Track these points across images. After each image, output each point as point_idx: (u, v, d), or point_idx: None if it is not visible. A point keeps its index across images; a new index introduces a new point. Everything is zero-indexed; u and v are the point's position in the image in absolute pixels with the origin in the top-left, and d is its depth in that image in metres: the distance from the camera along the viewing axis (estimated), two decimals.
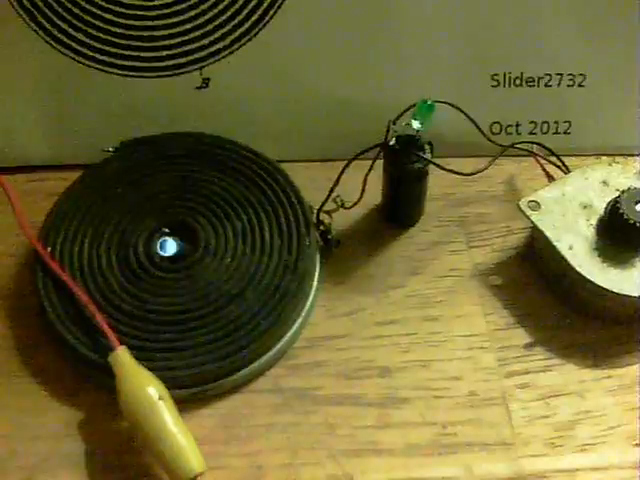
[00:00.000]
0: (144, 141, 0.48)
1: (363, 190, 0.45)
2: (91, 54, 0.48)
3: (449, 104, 0.46)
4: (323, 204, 0.45)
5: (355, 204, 0.45)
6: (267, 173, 0.46)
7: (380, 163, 0.44)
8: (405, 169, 0.44)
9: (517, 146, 0.47)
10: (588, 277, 0.42)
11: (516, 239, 0.46)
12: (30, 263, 0.44)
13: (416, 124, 0.43)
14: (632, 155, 0.50)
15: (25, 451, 0.39)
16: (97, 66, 0.49)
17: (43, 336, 0.42)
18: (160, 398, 0.37)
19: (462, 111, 0.45)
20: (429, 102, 0.43)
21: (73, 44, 0.48)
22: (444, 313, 0.44)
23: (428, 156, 0.43)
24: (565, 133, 0.50)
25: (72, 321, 0.41)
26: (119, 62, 0.49)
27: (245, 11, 0.47)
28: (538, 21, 0.48)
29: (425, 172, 0.44)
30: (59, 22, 0.48)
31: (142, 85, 0.49)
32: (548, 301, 0.44)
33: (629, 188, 0.42)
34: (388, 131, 0.43)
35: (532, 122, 0.50)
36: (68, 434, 0.40)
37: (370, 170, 0.44)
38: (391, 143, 0.43)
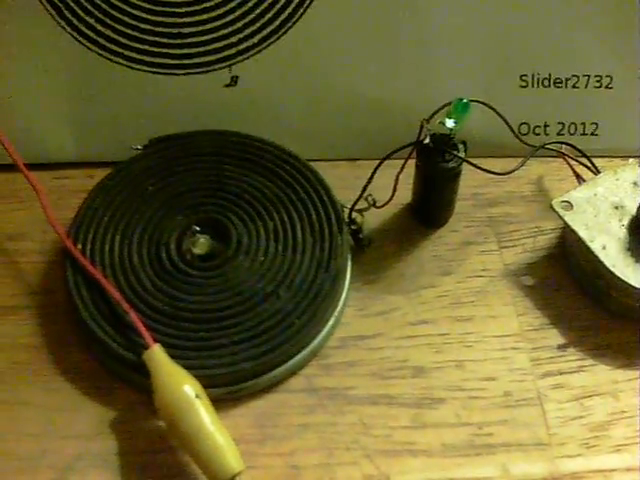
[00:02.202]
0: (173, 138, 0.47)
1: (394, 189, 0.44)
2: (119, 50, 0.48)
3: (483, 103, 0.45)
4: (355, 203, 0.44)
5: (386, 203, 0.44)
6: (298, 172, 0.46)
7: (411, 163, 0.44)
8: (439, 168, 0.43)
9: (547, 146, 0.47)
10: (621, 277, 0.41)
11: (546, 239, 0.46)
12: (60, 260, 0.43)
13: (450, 123, 0.43)
14: None
15: (56, 450, 0.39)
16: (125, 63, 0.48)
17: (74, 334, 0.42)
18: (197, 396, 0.37)
19: (495, 110, 0.45)
20: (465, 101, 0.43)
21: (101, 40, 0.48)
22: (476, 313, 0.43)
23: (462, 155, 0.43)
24: (592, 134, 0.50)
25: (105, 319, 0.41)
26: (147, 59, 0.48)
27: (274, 9, 0.47)
28: (566, 22, 0.48)
29: (458, 171, 0.44)
30: (87, 18, 0.47)
31: (170, 82, 0.49)
32: (580, 301, 0.44)
33: None
34: (421, 129, 0.42)
35: (560, 123, 0.50)
36: (100, 433, 0.39)
37: (402, 169, 0.44)
38: (425, 141, 0.43)
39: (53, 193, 0.47)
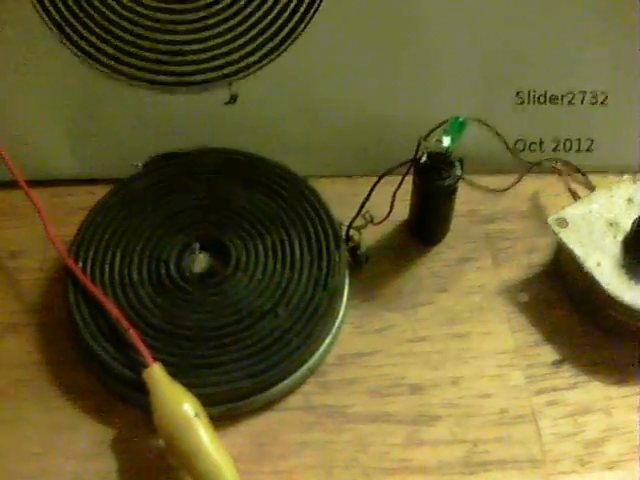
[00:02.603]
0: (173, 156, 0.48)
1: (392, 206, 0.45)
2: (120, 67, 0.48)
3: (479, 121, 0.46)
4: (353, 220, 0.45)
5: (384, 220, 0.45)
6: (296, 189, 0.46)
7: (408, 180, 0.44)
8: (435, 186, 0.44)
9: (543, 163, 0.47)
10: (616, 295, 0.42)
11: (542, 256, 0.47)
12: (60, 277, 0.44)
13: (447, 141, 0.43)
14: None
15: (56, 469, 0.39)
16: (126, 80, 0.49)
17: (74, 352, 0.43)
18: (196, 415, 0.37)
19: (491, 128, 0.45)
20: (461, 119, 0.43)
21: (102, 57, 0.48)
22: (472, 330, 0.44)
23: (459, 173, 0.44)
24: (587, 150, 0.51)
25: (104, 337, 0.41)
26: (148, 76, 0.49)
27: (274, 27, 0.47)
28: (561, 40, 0.48)
29: (455, 189, 0.45)
30: (88, 35, 0.48)
31: (171, 99, 0.49)
32: (575, 318, 0.44)
33: None
34: (419, 147, 0.43)
35: (555, 139, 0.51)
36: (100, 452, 0.40)
37: (399, 186, 0.44)
38: (422, 159, 0.43)
39: (54, 210, 0.47)
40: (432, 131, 0.44)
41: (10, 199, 0.48)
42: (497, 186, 0.46)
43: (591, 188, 0.48)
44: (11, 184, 0.45)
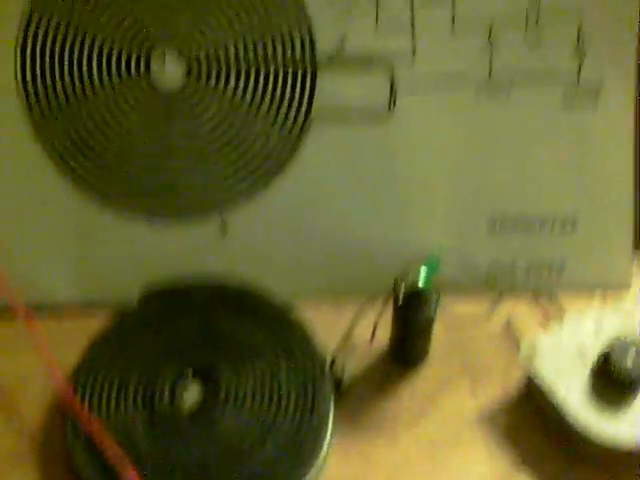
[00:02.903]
0: (166, 289, 0.51)
1: (373, 334, 0.48)
2: (117, 201, 0.51)
3: (455, 250, 0.49)
4: (337, 348, 0.48)
5: (367, 345, 0.48)
6: (283, 320, 0.49)
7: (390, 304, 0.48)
8: (413, 320, 0.47)
9: (516, 288, 0.51)
10: (583, 425, 0.45)
11: (517, 380, 0.49)
12: (58, 407, 0.46)
13: (423, 279, 0.46)
14: (624, 288, 0.53)
15: None
16: (123, 213, 0.51)
17: None
18: None
19: (466, 255, 0.48)
20: (435, 259, 0.46)
21: (98, 188, 0.51)
22: (451, 454, 0.46)
23: (435, 307, 0.47)
24: (559, 273, 0.54)
25: (100, 471, 0.43)
26: (141, 208, 0.51)
27: (263, 161, 0.51)
28: (531, 168, 0.52)
29: (432, 321, 0.47)
30: (89, 170, 0.50)
31: (165, 230, 0.52)
32: (550, 445, 0.47)
33: (619, 338, 0.46)
34: (396, 286, 0.46)
35: (528, 263, 0.54)
36: None
37: (380, 315, 0.47)
38: (400, 298, 0.46)
39: (54, 335, 0.49)
40: (408, 268, 0.47)
41: (13, 326, 0.50)
42: (473, 310, 0.49)
43: (562, 312, 0.51)
44: (12, 311, 0.47)
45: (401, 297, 0.46)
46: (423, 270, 0.46)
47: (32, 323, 0.47)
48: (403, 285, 0.46)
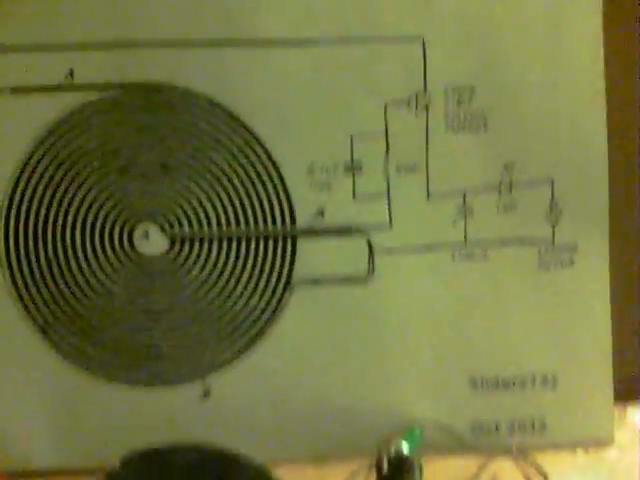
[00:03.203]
0: (149, 451, 0.50)
1: None
2: (99, 367, 0.51)
3: (435, 412, 0.49)
4: None
5: None
6: None
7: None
8: None
9: (499, 447, 0.51)
10: None
11: None
12: None
13: (406, 448, 0.46)
14: (607, 444, 0.53)
15: None
16: (105, 378, 0.51)
17: None
18: None
19: (447, 423, 0.49)
20: (418, 430, 0.46)
21: (82, 358, 0.51)
22: None
23: (419, 475, 0.47)
24: (541, 430, 0.54)
25: None
26: (125, 374, 0.52)
27: (244, 328, 0.51)
28: (510, 328, 0.52)
29: None
30: (70, 337, 0.51)
31: (147, 395, 0.52)
32: None
33: None
34: (379, 456, 0.46)
35: (510, 421, 0.54)
36: None
37: None
38: (384, 466, 0.46)
39: None
40: (392, 437, 0.47)
41: None
42: (457, 472, 0.49)
43: (543, 474, 0.51)
44: None
45: (385, 467, 0.46)
46: (407, 435, 0.46)
47: None
48: (386, 454, 0.46)
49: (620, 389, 0.54)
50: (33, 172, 0.50)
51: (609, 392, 0.54)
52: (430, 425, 0.50)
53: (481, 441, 0.52)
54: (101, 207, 0.50)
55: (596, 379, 0.53)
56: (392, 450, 0.47)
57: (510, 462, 0.53)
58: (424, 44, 0.50)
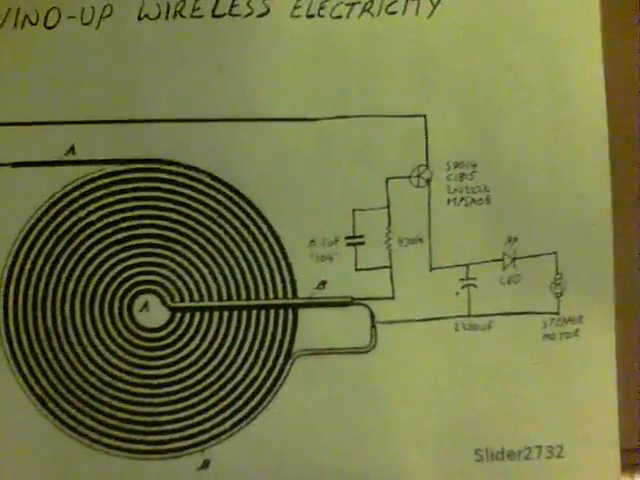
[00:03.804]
0: None
1: None
2: (98, 438, 0.51)
3: None
4: None
5: None
6: None
7: None
8: None
9: None
10: None
11: None
12: None
13: None
14: None
15: None
16: (103, 449, 0.51)
17: None
18: None
19: None
20: None
21: (81, 428, 0.51)
22: None
23: None
24: None
25: None
26: (124, 445, 0.51)
27: (243, 399, 0.51)
28: (515, 400, 0.52)
29: None
30: (69, 408, 0.50)
31: (146, 466, 0.51)
32: None
33: None
34: None
35: None
36: None
37: None
38: None
39: None
40: None
41: None
42: None
43: None
44: None
45: None
46: None
47: None
48: None
49: (626, 459, 0.54)
50: (33, 245, 0.49)
51: (615, 462, 0.53)
52: None
53: None
54: (101, 279, 0.50)
55: (602, 449, 0.53)
56: None
57: None
58: (426, 122, 0.49)
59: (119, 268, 0.50)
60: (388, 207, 0.50)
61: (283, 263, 0.50)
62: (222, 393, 0.51)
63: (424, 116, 0.50)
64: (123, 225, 0.50)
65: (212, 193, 0.50)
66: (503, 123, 0.51)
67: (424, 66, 0.52)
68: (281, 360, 0.51)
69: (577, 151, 0.51)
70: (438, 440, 0.53)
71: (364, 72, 0.51)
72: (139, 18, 0.50)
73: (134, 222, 0.50)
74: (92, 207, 0.50)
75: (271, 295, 0.51)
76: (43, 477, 0.52)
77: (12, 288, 0.50)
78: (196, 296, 0.51)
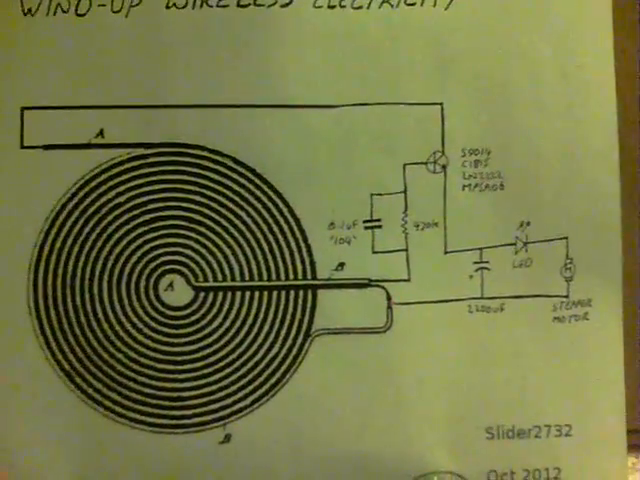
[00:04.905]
0: None
1: None
2: (123, 412, 0.53)
3: (452, 461, 0.50)
4: None
5: None
6: None
7: None
8: None
9: None
10: None
11: None
12: None
13: None
14: None
15: None
16: (127, 423, 0.53)
17: None
18: None
19: (463, 469, 0.50)
20: (436, 477, 0.48)
21: (107, 403, 0.53)
22: None
23: None
24: (555, 478, 0.55)
25: None
26: (148, 419, 0.53)
27: (265, 375, 0.53)
28: (525, 380, 0.53)
29: None
30: (95, 383, 0.52)
31: (169, 440, 0.53)
32: None
33: None
34: None
35: (525, 470, 0.55)
36: None
37: None
38: None
39: None
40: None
41: None
42: None
43: None
44: None
45: None
46: None
47: None
48: None
49: (631, 440, 0.55)
50: (63, 225, 0.51)
51: (622, 442, 0.54)
52: (446, 474, 0.51)
53: None
54: (128, 259, 0.52)
55: (609, 429, 0.54)
56: None
57: None
58: (442, 109, 0.51)
59: (145, 248, 0.52)
60: (405, 192, 0.52)
61: (303, 245, 0.52)
62: (243, 370, 0.53)
63: (441, 104, 0.52)
64: (150, 207, 0.52)
65: (235, 176, 0.52)
66: (517, 111, 0.53)
67: (441, 56, 0.53)
68: (300, 339, 0.53)
69: (588, 138, 0.53)
70: (451, 418, 0.54)
71: (383, 61, 0.53)
72: (167, 7, 0.52)
73: (160, 204, 0.52)
74: (120, 189, 0.52)
75: (291, 276, 0.52)
76: (67, 448, 0.54)
77: (42, 266, 0.52)
78: (219, 276, 0.52)
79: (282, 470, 0.54)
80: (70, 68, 0.52)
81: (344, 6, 0.52)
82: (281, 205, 0.52)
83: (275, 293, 0.53)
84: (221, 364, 0.53)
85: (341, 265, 0.52)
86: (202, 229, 0.52)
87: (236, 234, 0.52)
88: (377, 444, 0.54)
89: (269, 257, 0.52)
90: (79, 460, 0.54)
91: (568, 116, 0.53)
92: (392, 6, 0.52)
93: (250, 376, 0.53)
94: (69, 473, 0.54)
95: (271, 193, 0.52)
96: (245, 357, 0.53)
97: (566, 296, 0.53)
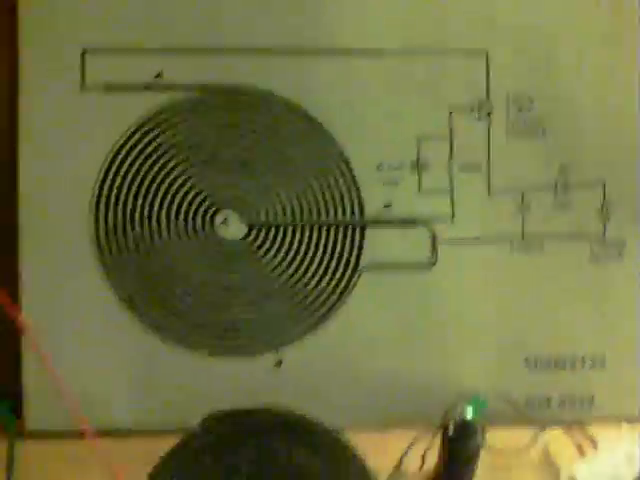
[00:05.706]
0: (227, 413, 0.55)
1: (423, 463, 0.53)
2: (182, 338, 0.57)
3: (493, 387, 0.54)
4: (389, 476, 0.53)
5: (417, 472, 0.53)
6: (337, 448, 0.53)
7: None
8: (461, 451, 0.52)
9: (552, 422, 0.56)
10: None
11: None
12: None
13: (470, 413, 0.51)
14: None
15: None
16: (186, 349, 0.57)
17: None
18: None
19: (505, 393, 0.54)
20: (481, 399, 0.51)
21: (167, 329, 0.56)
22: None
23: (480, 441, 0.52)
24: (589, 405, 0.58)
25: None
26: (206, 346, 0.57)
27: (314, 304, 0.56)
28: (563, 315, 0.56)
29: (478, 451, 0.52)
30: (156, 310, 0.56)
31: (224, 364, 0.57)
32: None
33: None
34: (447, 418, 0.51)
35: (561, 397, 0.58)
36: None
37: (429, 448, 0.52)
38: (450, 428, 0.51)
39: (116, 458, 0.54)
40: (457, 404, 0.52)
41: (84, 448, 0.55)
42: (512, 441, 0.53)
43: (594, 442, 0.56)
44: (79, 435, 0.52)
45: (451, 428, 0.51)
46: (472, 405, 0.51)
47: (101, 445, 0.52)
48: (453, 418, 0.51)
49: None
50: (123, 163, 0.54)
51: None
52: (488, 399, 0.55)
53: (534, 414, 0.56)
54: (185, 195, 0.55)
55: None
56: (458, 415, 0.51)
57: (560, 432, 0.57)
58: (487, 57, 0.53)
59: (201, 185, 0.55)
60: (450, 136, 0.54)
61: (352, 185, 0.54)
62: (294, 301, 0.56)
63: (486, 52, 0.53)
64: (206, 147, 0.54)
65: (287, 119, 0.54)
66: (559, 62, 0.54)
67: (487, 4, 0.55)
68: (348, 274, 0.56)
69: (626, 88, 0.54)
70: (491, 349, 0.57)
71: (429, 7, 0.54)
72: None
73: (216, 144, 0.54)
74: (177, 129, 0.54)
75: (340, 215, 0.55)
76: (128, 371, 0.57)
77: (103, 200, 0.55)
78: (272, 214, 0.55)
79: (331, 393, 0.58)
80: (131, 13, 0.53)
81: None
82: (331, 147, 0.54)
83: (325, 230, 0.55)
84: (273, 294, 0.56)
85: (388, 204, 0.54)
86: (255, 168, 0.55)
87: (288, 174, 0.55)
88: (423, 371, 0.58)
89: (319, 197, 0.55)
90: (139, 381, 0.58)
91: (608, 63, 0.54)
92: None
93: (300, 307, 0.56)
94: (129, 392, 0.58)
95: (323, 136, 0.54)
96: (296, 289, 0.56)
97: (602, 237, 0.55)
